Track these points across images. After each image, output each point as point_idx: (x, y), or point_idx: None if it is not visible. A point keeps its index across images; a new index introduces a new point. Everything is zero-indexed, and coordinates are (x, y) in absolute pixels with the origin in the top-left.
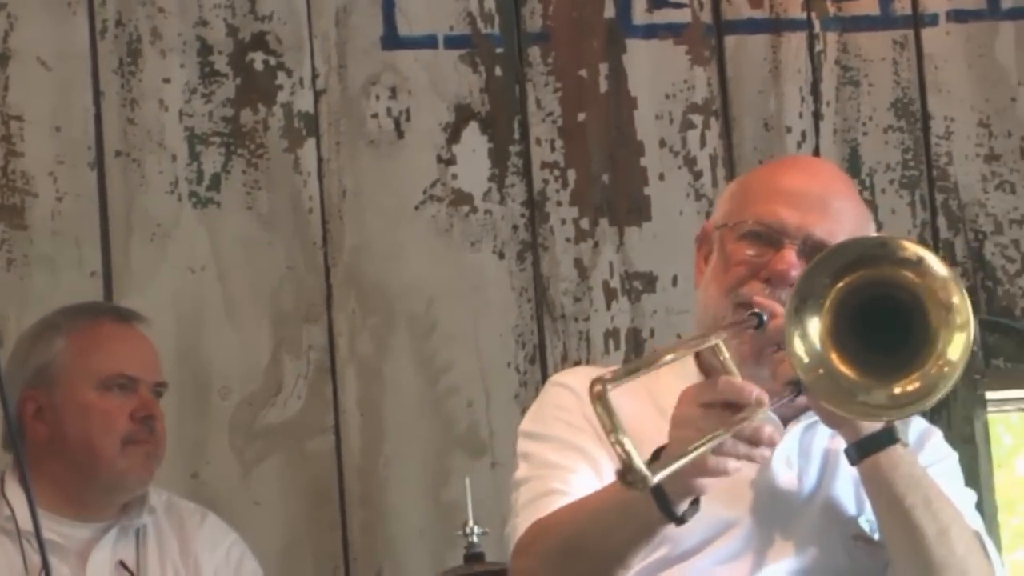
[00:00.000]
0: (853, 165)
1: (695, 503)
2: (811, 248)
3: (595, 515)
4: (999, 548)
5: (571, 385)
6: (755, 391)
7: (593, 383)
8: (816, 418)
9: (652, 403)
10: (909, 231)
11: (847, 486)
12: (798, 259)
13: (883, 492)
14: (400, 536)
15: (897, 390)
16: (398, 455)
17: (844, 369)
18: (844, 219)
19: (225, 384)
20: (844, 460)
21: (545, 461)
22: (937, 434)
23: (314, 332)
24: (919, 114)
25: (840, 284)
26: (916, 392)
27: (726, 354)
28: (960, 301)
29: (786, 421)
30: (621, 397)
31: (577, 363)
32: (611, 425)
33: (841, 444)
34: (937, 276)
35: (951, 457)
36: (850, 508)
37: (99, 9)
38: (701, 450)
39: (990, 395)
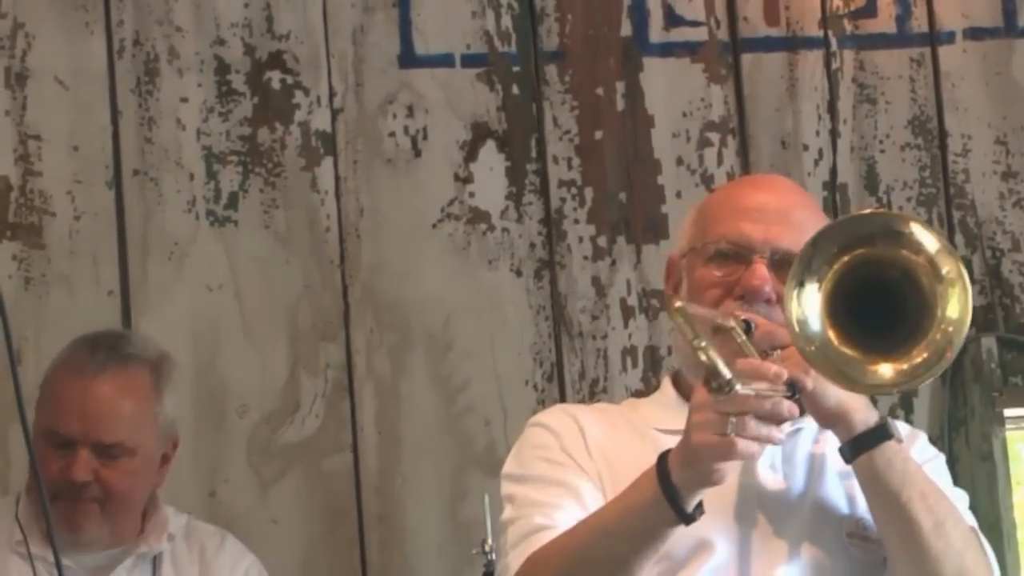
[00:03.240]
0: (870, 182)
1: (698, 507)
2: (779, 261)
3: (598, 529)
4: (1018, 566)
5: (547, 424)
6: (772, 367)
7: (669, 299)
8: (799, 425)
9: (630, 427)
10: None
11: (836, 487)
12: (769, 273)
13: (879, 488)
14: (418, 554)
15: (905, 366)
16: (416, 473)
17: (848, 350)
18: (807, 229)
19: (243, 402)
20: (831, 463)
21: (529, 500)
22: (922, 436)
23: (331, 350)
24: (936, 132)
25: (835, 265)
26: (924, 362)
27: (743, 336)
28: (951, 264)
29: None
30: (597, 425)
31: (595, 381)
32: (693, 333)
33: (825, 448)
34: (925, 250)
35: (939, 458)
36: (842, 508)
37: (116, 28)
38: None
39: (1008, 412)
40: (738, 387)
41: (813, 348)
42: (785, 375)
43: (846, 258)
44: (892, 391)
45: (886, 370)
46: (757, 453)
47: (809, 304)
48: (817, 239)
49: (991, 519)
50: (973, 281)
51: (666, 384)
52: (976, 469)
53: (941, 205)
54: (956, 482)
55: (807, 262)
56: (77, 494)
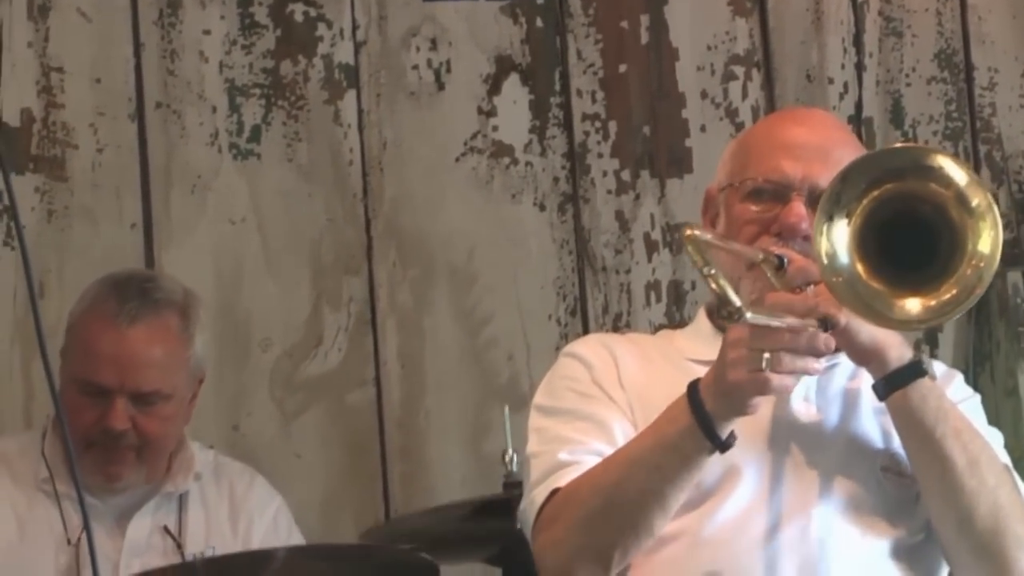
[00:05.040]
0: (896, 116)
1: (731, 433)
2: (818, 199)
3: (632, 460)
4: None
5: (580, 354)
6: (805, 302)
7: (683, 227)
8: (835, 360)
9: (664, 358)
10: None
11: (871, 422)
12: (806, 210)
13: (912, 425)
14: (440, 488)
15: (933, 301)
16: (438, 407)
17: (876, 284)
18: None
19: (266, 336)
20: (865, 398)
21: (555, 435)
22: (958, 376)
23: (354, 284)
24: (962, 65)
25: (865, 199)
26: (953, 299)
27: (772, 271)
28: (981, 197)
29: None
30: (631, 355)
31: (618, 315)
32: (703, 261)
33: (860, 384)
34: (955, 183)
35: (974, 398)
36: (876, 442)
37: None
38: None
39: None
40: (748, 315)
41: (840, 280)
42: (817, 310)
43: (876, 192)
44: (920, 327)
45: (914, 305)
46: (791, 387)
47: (838, 237)
48: (846, 174)
49: (1016, 454)
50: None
51: (700, 315)
52: (1001, 404)
53: (967, 139)
54: None
55: (836, 197)
56: (115, 442)
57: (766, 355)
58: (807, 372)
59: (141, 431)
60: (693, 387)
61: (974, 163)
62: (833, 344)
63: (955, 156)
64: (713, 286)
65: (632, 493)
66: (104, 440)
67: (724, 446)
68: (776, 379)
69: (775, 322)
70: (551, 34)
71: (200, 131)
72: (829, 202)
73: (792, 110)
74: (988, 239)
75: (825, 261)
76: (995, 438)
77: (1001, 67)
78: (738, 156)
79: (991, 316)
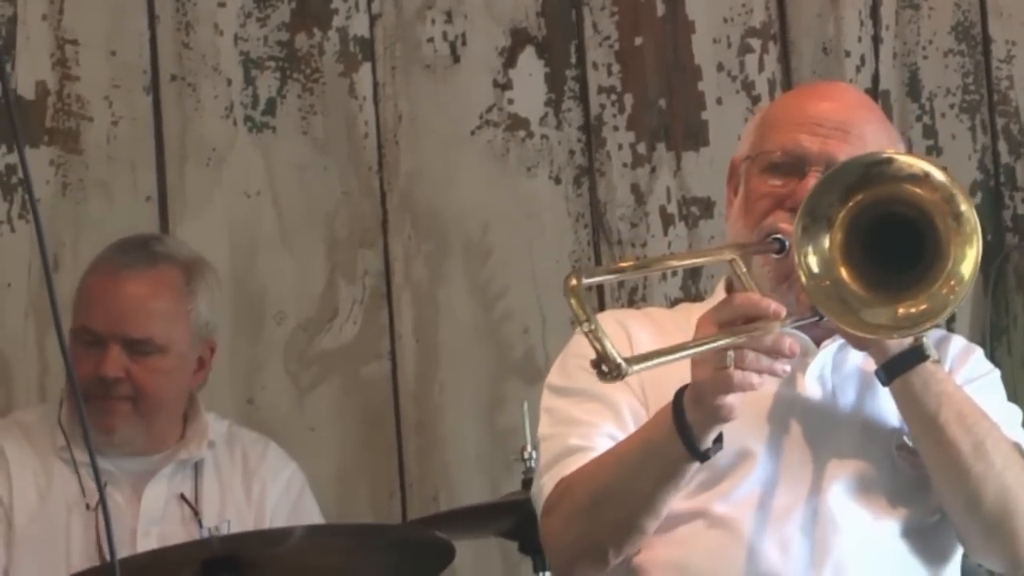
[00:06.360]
0: (913, 89)
1: (718, 441)
2: None
3: (621, 462)
4: None
5: None
6: (772, 303)
7: (568, 277)
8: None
9: (682, 334)
10: (969, 156)
11: (887, 401)
12: None
13: (916, 410)
14: (456, 462)
15: (901, 311)
16: (453, 381)
17: (851, 284)
18: (867, 143)
19: (280, 309)
20: None
21: (567, 417)
22: (977, 351)
23: (369, 257)
24: (980, 37)
25: (850, 202)
26: (922, 313)
27: (743, 268)
28: (967, 210)
29: (819, 342)
30: (646, 331)
31: (634, 289)
32: (583, 315)
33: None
34: (942, 189)
35: (992, 373)
36: (892, 421)
37: None
38: (688, 347)
39: None
40: (634, 368)
41: (827, 285)
42: (784, 312)
43: (859, 197)
44: (891, 336)
45: (881, 314)
46: (757, 385)
47: (821, 244)
48: (828, 177)
49: None
50: (1015, 188)
51: (719, 289)
52: (1018, 378)
53: (984, 112)
54: None
55: (816, 202)
56: (109, 391)
57: (730, 352)
58: (772, 373)
59: (135, 382)
60: (679, 393)
61: (991, 136)
62: (798, 348)
63: (942, 166)
64: (592, 340)
65: (620, 495)
66: (100, 390)
67: (703, 457)
68: (739, 375)
69: (661, 359)
70: (567, 6)
71: (215, 104)
72: (809, 206)
73: (818, 84)
74: (970, 261)
75: (815, 269)
76: (1013, 415)
77: (1019, 39)
78: (760, 128)
79: (1008, 290)
